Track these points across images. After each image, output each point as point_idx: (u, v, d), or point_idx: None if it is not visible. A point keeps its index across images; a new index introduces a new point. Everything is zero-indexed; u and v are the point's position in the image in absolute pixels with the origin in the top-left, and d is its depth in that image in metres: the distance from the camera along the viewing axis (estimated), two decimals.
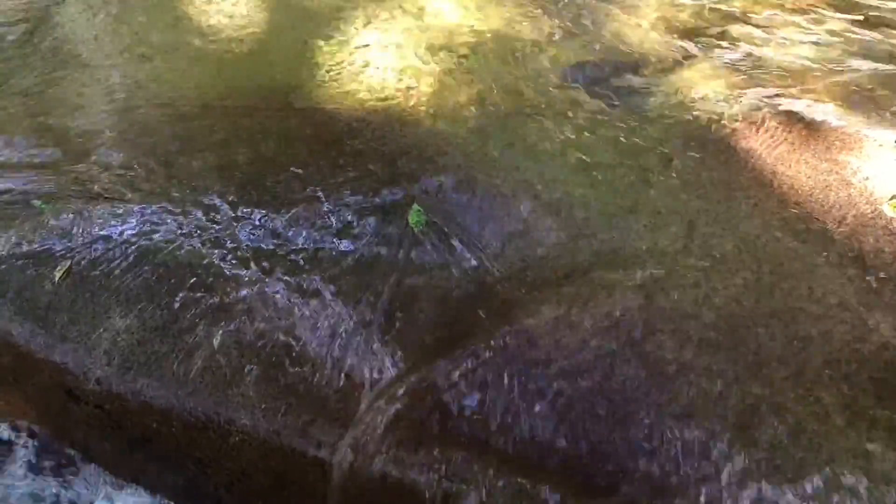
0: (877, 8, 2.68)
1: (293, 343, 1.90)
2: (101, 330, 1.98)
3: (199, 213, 2.14)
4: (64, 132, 2.40)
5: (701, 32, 2.66)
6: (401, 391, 1.78)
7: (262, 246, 2.07)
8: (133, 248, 2.09)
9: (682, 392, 1.74)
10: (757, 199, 2.12)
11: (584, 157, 2.26)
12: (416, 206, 2.10)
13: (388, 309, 1.94)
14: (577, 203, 2.13)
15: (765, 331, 1.84)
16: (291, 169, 2.23)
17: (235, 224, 2.12)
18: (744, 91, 2.41)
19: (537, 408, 1.74)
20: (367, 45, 2.63)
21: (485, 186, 2.17)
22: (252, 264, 2.03)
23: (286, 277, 2.00)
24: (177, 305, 1.98)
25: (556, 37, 2.67)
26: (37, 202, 2.21)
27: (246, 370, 1.88)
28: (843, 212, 2.09)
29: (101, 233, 2.12)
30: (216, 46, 2.68)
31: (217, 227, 2.11)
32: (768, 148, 2.24)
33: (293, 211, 2.13)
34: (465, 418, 1.74)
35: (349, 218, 2.11)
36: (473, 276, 1.99)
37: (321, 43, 2.66)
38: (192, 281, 2.02)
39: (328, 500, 1.77)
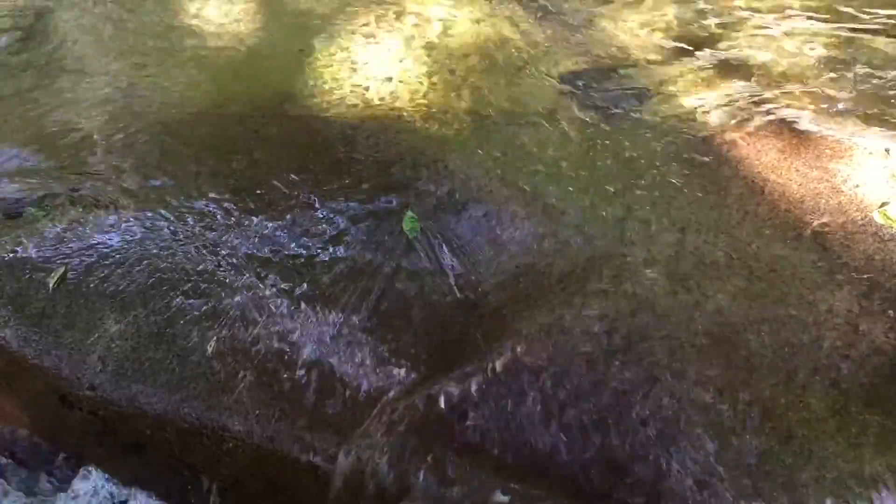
0: (865, 18, 2.70)
1: (287, 349, 1.91)
2: (96, 336, 1.98)
3: (194, 220, 2.15)
4: (58, 139, 2.41)
5: (693, 42, 2.68)
6: (394, 397, 1.79)
7: (257, 252, 2.07)
8: (127, 254, 2.09)
9: (675, 398, 1.75)
10: (748, 207, 2.13)
11: (577, 164, 2.27)
12: (409, 213, 2.11)
13: (382, 315, 1.95)
14: (570, 210, 2.14)
15: (756, 337, 1.85)
16: (286, 176, 2.24)
17: (229, 230, 2.12)
18: (735, 99, 2.43)
19: (531, 414, 1.75)
20: (361, 53, 2.65)
21: (478, 193, 2.18)
22: (246, 270, 2.04)
23: (280, 284, 2.01)
24: (171, 311, 1.98)
25: (551, 45, 2.69)
26: (31, 209, 2.21)
27: (240, 376, 1.88)
28: (834, 219, 2.10)
29: (96, 239, 2.13)
30: (211, 53, 2.69)
31: (211, 234, 2.12)
32: (759, 156, 2.26)
33: (287, 217, 2.14)
34: (458, 424, 1.75)
35: (343, 225, 2.12)
36: (466, 283, 2.00)
37: (316, 50, 2.68)
38: (186, 287, 2.02)
39: None
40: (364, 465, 1.72)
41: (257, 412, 1.84)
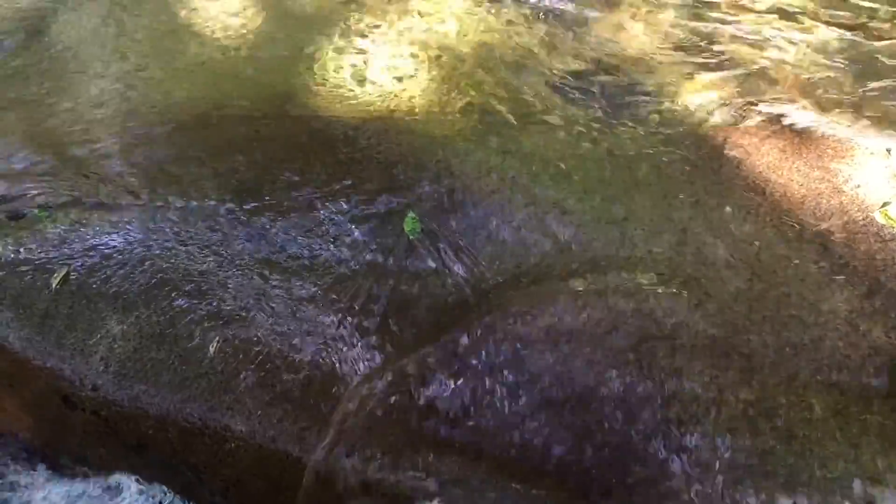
0: (865, 17, 2.70)
1: (289, 350, 1.91)
2: (98, 336, 1.98)
3: (196, 220, 2.15)
4: (61, 140, 2.41)
5: (694, 41, 2.68)
6: (394, 397, 1.79)
7: (259, 253, 2.08)
8: (130, 255, 2.10)
9: (675, 398, 1.75)
10: (749, 207, 2.13)
11: (578, 164, 2.27)
12: (411, 214, 2.11)
13: (384, 316, 1.95)
14: (572, 210, 2.15)
15: (757, 337, 1.85)
16: (287, 176, 2.24)
17: (232, 231, 2.13)
18: (736, 99, 2.43)
19: (531, 413, 1.75)
20: (362, 53, 2.65)
21: (480, 194, 2.19)
22: (248, 271, 2.04)
23: (282, 284, 2.01)
24: (173, 312, 1.99)
25: (552, 46, 2.69)
26: (35, 210, 2.22)
27: (242, 377, 1.89)
28: (835, 219, 2.10)
29: (98, 240, 2.13)
30: (213, 54, 2.70)
31: (213, 234, 2.12)
32: (761, 156, 2.26)
33: (289, 218, 2.14)
34: (459, 424, 1.75)
35: (345, 225, 2.12)
36: (468, 283, 2.00)
37: (317, 51, 2.68)
38: (188, 288, 2.03)
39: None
40: (361, 463, 1.73)
41: (259, 412, 1.84)
